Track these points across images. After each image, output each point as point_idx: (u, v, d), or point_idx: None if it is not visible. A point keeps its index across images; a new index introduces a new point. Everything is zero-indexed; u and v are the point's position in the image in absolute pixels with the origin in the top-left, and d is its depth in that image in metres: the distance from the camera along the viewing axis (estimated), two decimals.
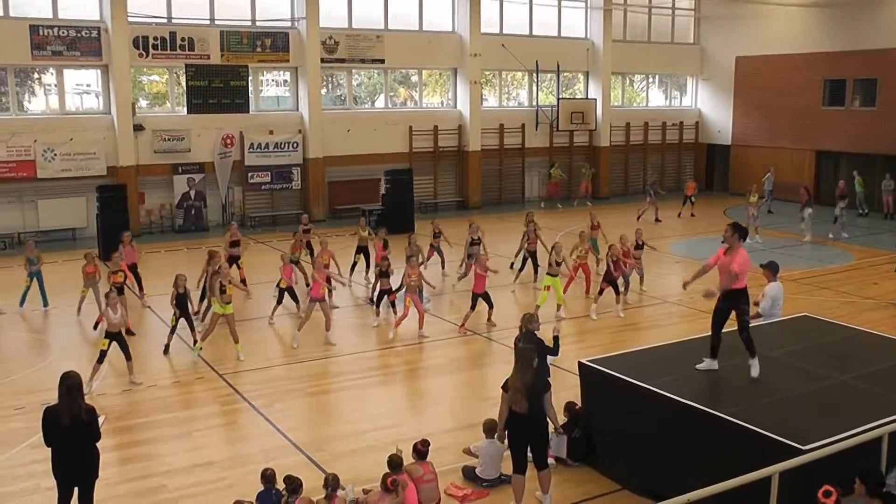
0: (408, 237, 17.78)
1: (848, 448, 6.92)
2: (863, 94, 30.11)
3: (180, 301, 13.44)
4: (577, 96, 33.13)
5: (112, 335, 11.96)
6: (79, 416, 7.26)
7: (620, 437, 8.94)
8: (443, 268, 19.13)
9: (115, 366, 12.52)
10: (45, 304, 16.22)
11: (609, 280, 15.85)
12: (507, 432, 8.14)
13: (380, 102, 30.07)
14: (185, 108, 25.24)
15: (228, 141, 25.68)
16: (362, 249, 18.30)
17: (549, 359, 10.45)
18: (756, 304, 11.46)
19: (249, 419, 11.00)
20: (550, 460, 8.60)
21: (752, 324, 10.90)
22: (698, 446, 7.94)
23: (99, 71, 24.64)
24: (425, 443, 8.69)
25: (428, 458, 8.58)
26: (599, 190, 32.50)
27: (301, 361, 13.40)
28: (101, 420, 7.70)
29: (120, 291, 13.14)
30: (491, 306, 14.99)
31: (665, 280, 18.84)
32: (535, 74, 31.55)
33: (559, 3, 32.06)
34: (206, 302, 14.86)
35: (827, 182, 30.60)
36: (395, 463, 8.18)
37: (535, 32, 31.57)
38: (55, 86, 24.61)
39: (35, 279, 16.18)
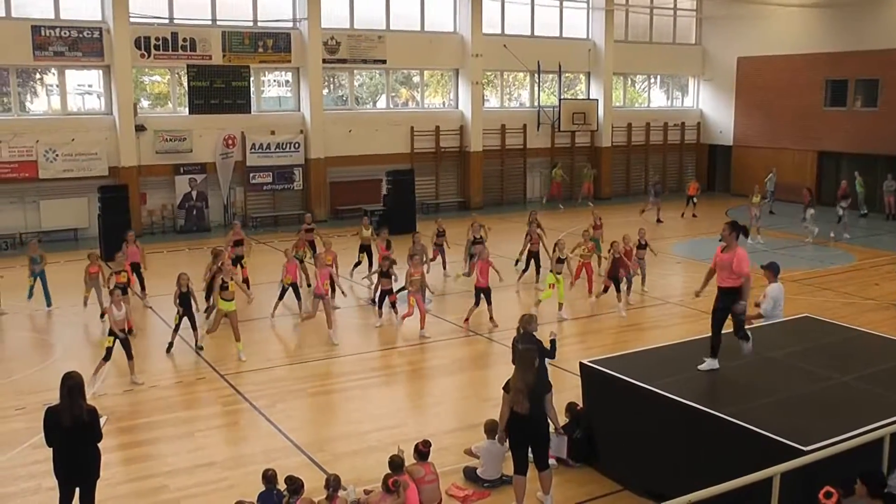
0: (412, 235, 17.80)
1: (849, 449, 6.91)
2: (864, 94, 30.08)
3: (183, 300, 13.46)
4: (578, 97, 33.13)
5: (115, 333, 12.01)
6: (80, 416, 7.26)
7: (622, 438, 8.94)
8: (444, 268, 19.13)
9: (117, 366, 12.53)
10: (49, 304, 16.24)
11: (612, 277, 15.85)
12: (508, 433, 8.14)
13: (381, 103, 30.08)
14: (187, 109, 25.27)
15: (230, 141, 25.70)
16: (365, 249, 18.30)
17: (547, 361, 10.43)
18: (757, 304, 11.48)
19: (251, 420, 11.00)
20: (552, 461, 8.60)
21: (754, 324, 10.95)
22: (699, 447, 7.94)
23: (101, 71, 24.65)
24: (427, 443, 8.69)
25: (429, 459, 8.58)
26: (601, 190, 32.49)
27: (303, 362, 13.41)
28: (102, 420, 7.72)
29: (123, 291, 13.10)
30: (489, 303, 15.01)
31: (666, 281, 18.85)
32: (536, 75, 31.56)
33: (561, 4, 32.06)
34: (211, 300, 14.85)
35: (828, 183, 30.59)
36: (396, 463, 8.18)
37: (536, 33, 31.57)
38: (57, 86, 24.64)
39: (39, 279, 16.20)
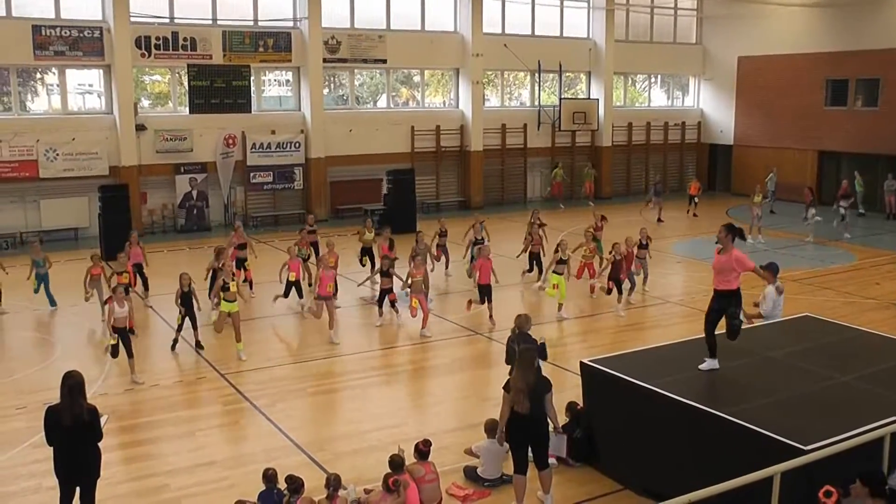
0: (415, 235, 17.79)
1: (849, 449, 6.91)
2: (865, 94, 30.08)
3: (185, 300, 13.47)
4: (579, 96, 33.13)
5: (118, 330, 12.09)
6: (80, 415, 7.27)
7: (622, 437, 8.94)
8: (446, 268, 19.11)
9: (118, 365, 12.54)
10: (53, 304, 16.23)
11: (613, 279, 15.85)
12: (508, 433, 8.14)
13: (382, 102, 30.08)
14: (187, 108, 25.26)
15: (230, 141, 25.70)
16: (367, 251, 18.25)
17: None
18: (756, 304, 11.49)
19: (251, 419, 11.01)
20: (552, 460, 8.60)
21: (754, 324, 10.95)
22: (700, 446, 7.94)
23: (101, 71, 24.66)
24: (427, 443, 8.69)
25: (429, 458, 8.58)
26: (601, 190, 32.48)
27: (303, 361, 13.41)
28: (103, 420, 7.71)
29: (125, 292, 13.12)
30: (490, 302, 15.02)
31: (667, 280, 18.85)
32: (537, 74, 31.55)
33: (561, 3, 32.04)
34: (213, 296, 14.82)
35: (829, 182, 30.59)
36: (396, 463, 8.18)
37: (537, 32, 31.56)
38: (57, 86, 24.64)
39: (42, 283, 16.15)
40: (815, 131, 31.12)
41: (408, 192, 25.82)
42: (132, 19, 24.00)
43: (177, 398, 11.80)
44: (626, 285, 16.26)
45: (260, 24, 26.29)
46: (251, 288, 17.12)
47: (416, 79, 30.83)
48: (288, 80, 28.00)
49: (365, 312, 16.32)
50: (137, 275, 16.16)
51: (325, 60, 26.94)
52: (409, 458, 8.56)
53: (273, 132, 26.61)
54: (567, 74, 32.65)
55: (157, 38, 24.65)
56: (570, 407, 9.75)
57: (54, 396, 7.63)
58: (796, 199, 27.23)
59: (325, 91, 28.12)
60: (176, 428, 10.62)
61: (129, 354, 12.15)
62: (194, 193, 25.52)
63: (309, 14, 26.23)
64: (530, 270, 18.30)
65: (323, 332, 14.36)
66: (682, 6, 35.25)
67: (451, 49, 29.54)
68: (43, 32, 23.14)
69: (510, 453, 8.37)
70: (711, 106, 35.75)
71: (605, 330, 15.13)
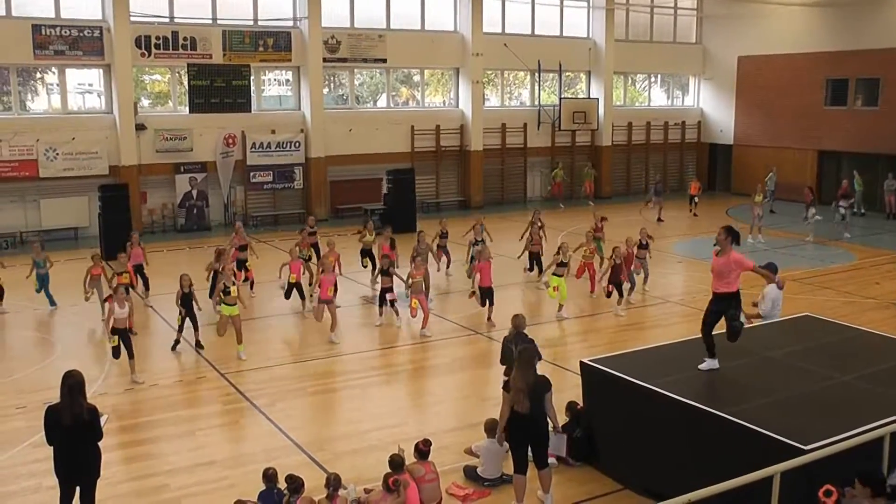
0: (416, 235, 17.78)
1: (849, 448, 6.91)
2: (865, 93, 30.08)
3: (185, 301, 13.46)
4: (579, 96, 33.14)
5: (118, 331, 12.09)
6: (80, 415, 7.27)
7: (622, 437, 8.94)
8: (447, 267, 19.10)
9: (119, 364, 12.54)
10: (52, 305, 16.23)
11: (614, 281, 15.85)
12: (508, 432, 8.14)
13: (382, 102, 30.09)
14: (187, 108, 25.27)
15: (230, 140, 25.70)
16: (367, 253, 18.23)
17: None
18: (755, 304, 11.49)
19: (251, 419, 11.01)
20: (552, 460, 8.60)
21: (754, 324, 10.96)
22: (700, 446, 7.94)
23: (101, 70, 24.66)
24: (427, 442, 8.69)
25: (429, 458, 8.58)
26: (601, 190, 32.48)
27: (303, 361, 13.41)
28: (103, 419, 7.71)
29: (126, 292, 13.12)
30: (491, 304, 15.02)
31: (667, 280, 18.85)
32: (537, 74, 31.55)
33: (561, 3, 32.04)
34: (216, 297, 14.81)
35: (829, 182, 30.58)
36: (396, 462, 8.18)
37: (537, 32, 31.56)
38: (57, 85, 24.64)
39: (42, 284, 16.13)
40: (815, 131, 31.13)
41: (408, 191, 25.81)
42: (132, 19, 24.00)
43: (177, 398, 11.80)
44: (626, 285, 16.27)
45: (260, 23, 26.28)
46: (252, 288, 17.13)
47: (416, 78, 30.83)
48: (288, 80, 28.00)
49: (365, 312, 16.32)
50: (138, 275, 16.15)
51: (324, 60, 26.94)
52: (409, 458, 8.56)
53: (273, 132, 26.62)
54: (567, 74, 32.65)
55: (157, 38, 24.65)
56: (570, 406, 9.75)
57: (54, 396, 7.63)
58: (796, 199, 27.23)
59: (325, 91, 28.12)
60: (176, 427, 10.62)
61: (130, 355, 12.15)
62: (194, 193, 25.53)
63: (309, 14, 26.24)
64: (531, 269, 18.33)
65: (323, 332, 14.37)
66: (682, 6, 35.25)
67: (451, 49, 29.54)
68: (43, 32, 23.15)
69: (510, 453, 8.37)
70: (711, 105, 35.76)
71: (605, 330, 15.13)
